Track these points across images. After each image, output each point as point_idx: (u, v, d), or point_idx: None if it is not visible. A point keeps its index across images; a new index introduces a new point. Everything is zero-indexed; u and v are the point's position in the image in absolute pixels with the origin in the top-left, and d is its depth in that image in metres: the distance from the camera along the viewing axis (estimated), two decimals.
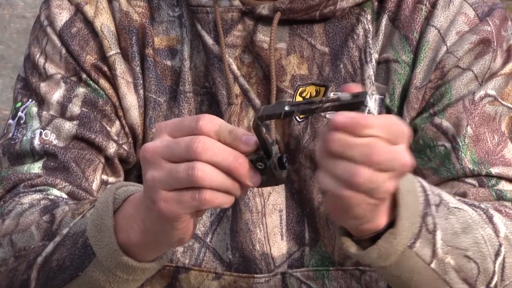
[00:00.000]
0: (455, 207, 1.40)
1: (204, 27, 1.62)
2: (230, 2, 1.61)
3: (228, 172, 1.21)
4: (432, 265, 1.36)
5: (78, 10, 1.66)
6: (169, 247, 1.39)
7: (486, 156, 1.55)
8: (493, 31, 1.61)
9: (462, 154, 1.55)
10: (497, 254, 1.42)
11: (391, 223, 1.32)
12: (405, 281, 1.38)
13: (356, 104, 1.20)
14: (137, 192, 1.34)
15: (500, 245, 1.43)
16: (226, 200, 1.23)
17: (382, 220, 1.30)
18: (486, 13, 1.62)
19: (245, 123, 1.61)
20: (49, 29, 1.65)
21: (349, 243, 1.34)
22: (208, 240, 1.64)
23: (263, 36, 1.61)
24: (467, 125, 1.56)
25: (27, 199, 1.56)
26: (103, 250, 1.36)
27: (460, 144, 1.56)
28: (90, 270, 1.39)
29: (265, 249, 1.63)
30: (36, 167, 1.59)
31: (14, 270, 1.50)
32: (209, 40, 1.62)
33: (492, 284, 1.42)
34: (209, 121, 1.21)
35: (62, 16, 1.66)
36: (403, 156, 1.20)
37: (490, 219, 1.45)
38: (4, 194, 1.59)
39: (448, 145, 1.56)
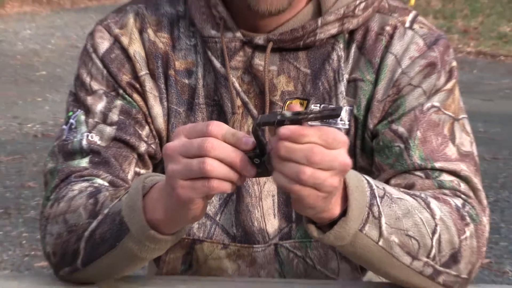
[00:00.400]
0: (397, 197, 1.48)
1: (213, 53, 1.69)
2: (233, 34, 1.67)
3: (231, 165, 1.28)
4: (380, 243, 1.43)
5: (116, 40, 1.72)
6: (185, 223, 1.45)
7: (431, 154, 1.60)
8: (438, 56, 1.66)
9: (412, 152, 1.60)
10: (433, 232, 1.48)
11: (344, 212, 1.38)
12: (360, 256, 1.46)
13: (333, 116, 1.31)
14: (161, 181, 1.41)
15: (436, 225, 1.49)
16: (229, 187, 1.31)
17: (336, 210, 1.38)
18: (433, 42, 1.68)
19: (245, 128, 1.67)
20: (93, 55, 1.72)
21: (312, 229, 1.41)
22: (217, 218, 1.70)
23: (259, 61, 1.67)
24: (416, 129, 1.61)
25: (77, 187, 1.60)
26: (135, 226, 1.43)
27: (411, 144, 1.60)
28: (125, 241, 1.46)
29: (262, 225, 1.69)
30: (84, 162, 1.65)
31: (67, 242, 1.55)
32: (217, 64, 1.68)
33: (431, 255, 1.48)
34: (217, 126, 1.29)
35: (104, 44, 1.72)
36: (341, 157, 1.28)
37: (427, 205, 1.51)
38: (59, 183, 1.63)
39: (402, 145, 1.61)
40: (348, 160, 1.30)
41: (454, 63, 1.70)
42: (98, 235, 1.51)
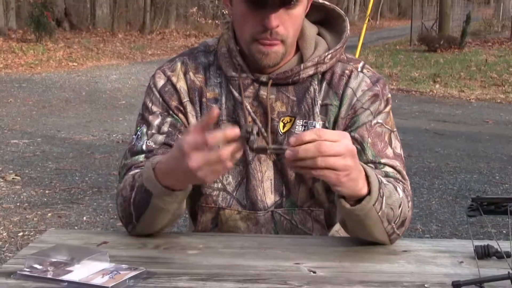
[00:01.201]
0: (385, 183, 1.51)
1: (233, 87, 1.69)
2: (246, 75, 1.68)
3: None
4: (379, 213, 1.46)
5: (169, 79, 1.73)
6: (187, 182, 1.46)
7: (378, 153, 1.63)
8: (380, 90, 1.69)
9: (367, 152, 1.63)
10: (399, 206, 1.52)
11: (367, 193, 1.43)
12: (364, 221, 1.47)
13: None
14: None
15: (401, 202, 1.53)
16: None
17: (364, 191, 1.41)
18: (376, 81, 1.70)
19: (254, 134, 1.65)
20: (154, 89, 1.73)
21: (344, 203, 1.43)
22: (234, 194, 1.71)
23: (263, 92, 1.68)
24: (368, 137, 1.64)
25: (132, 172, 1.62)
26: (155, 190, 1.47)
27: (365, 146, 1.62)
28: (153, 200, 1.49)
29: (263, 198, 1.69)
30: (141, 157, 1.66)
31: (125, 208, 1.58)
32: (236, 94, 1.69)
33: (395, 221, 1.51)
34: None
35: (161, 82, 1.73)
36: (344, 144, 1.30)
37: (395, 188, 1.54)
38: (126, 172, 1.65)
39: (358, 146, 1.58)
40: (351, 146, 1.32)
41: (389, 95, 1.72)
42: (137, 200, 1.53)
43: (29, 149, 7.08)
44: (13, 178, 5.86)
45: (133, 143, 1.69)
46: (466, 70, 14.62)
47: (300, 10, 1.59)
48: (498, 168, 6.50)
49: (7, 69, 14.59)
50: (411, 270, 1.41)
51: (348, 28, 1.73)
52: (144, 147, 1.65)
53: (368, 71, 1.71)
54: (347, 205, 1.43)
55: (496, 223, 4.67)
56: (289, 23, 1.57)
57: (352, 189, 1.38)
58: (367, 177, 1.42)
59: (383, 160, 1.62)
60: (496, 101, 11.34)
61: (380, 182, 1.46)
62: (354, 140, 1.60)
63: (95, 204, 5.17)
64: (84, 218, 4.84)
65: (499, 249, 1.44)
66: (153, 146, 1.65)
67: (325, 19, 1.78)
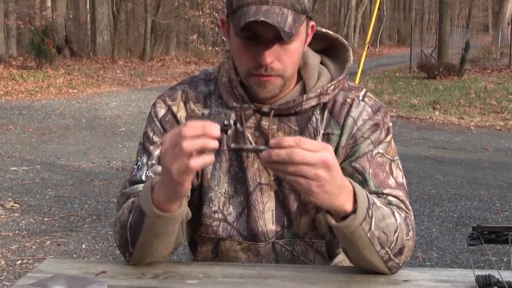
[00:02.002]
0: (379, 206, 1.48)
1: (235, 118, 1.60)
2: (248, 105, 1.66)
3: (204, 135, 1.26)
4: (368, 235, 1.44)
5: (169, 109, 1.72)
6: (179, 199, 1.42)
7: (380, 184, 1.61)
8: (380, 119, 1.67)
9: (369, 183, 1.60)
10: (395, 232, 1.49)
11: (349, 211, 1.40)
12: (353, 240, 1.44)
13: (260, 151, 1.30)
14: (160, 178, 1.41)
15: (397, 228, 1.50)
16: (208, 159, 1.28)
17: (348, 208, 1.38)
18: (377, 110, 1.68)
19: (255, 165, 1.66)
20: (155, 118, 1.72)
21: (330, 218, 1.41)
22: (235, 224, 1.69)
23: (265, 122, 1.66)
24: (369, 168, 1.62)
25: (130, 200, 1.60)
26: (148, 210, 1.44)
27: (367, 178, 1.61)
28: (145, 221, 1.46)
29: (264, 230, 1.68)
30: (141, 187, 1.64)
31: (122, 234, 1.56)
32: (238, 124, 1.67)
33: (391, 247, 1.48)
34: (188, 124, 1.27)
35: (161, 111, 1.72)
36: (320, 155, 1.27)
37: (393, 213, 1.52)
38: (125, 201, 1.63)
39: (360, 177, 1.60)
40: (329, 158, 1.28)
41: (390, 124, 1.71)
42: (133, 223, 1.51)
43: (28, 176, 7.08)
44: (12, 206, 5.85)
45: (133, 173, 1.67)
46: (466, 97, 14.66)
47: (297, 45, 1.56)
48: (498, 195, 6.48)
49: (8, 96, 14.64)
50: None
51: (351, 58, 1.72)
52: (143, 177, 1.64)
53: (369, 100, 1.70)
54: (332, 221, 1.41)
55: (497, 251, 4.64)
56: (285, 58, 1.55)
57: (328, 203, 1.34)
58: (355, 195, 1.40)
59: (385, 191, 1.60)
60: (496, 128, 11.36)
61: (370, 203, 1.44)
62: (355, 170, 1.61)
63: (94, 231, 5.15)
64: (83, 246, 4.82)
65: (500, 279, 1.42)
66: (153, 176, 1.63)
67: (328, 48, 1.76)
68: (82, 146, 9.00)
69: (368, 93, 1.73)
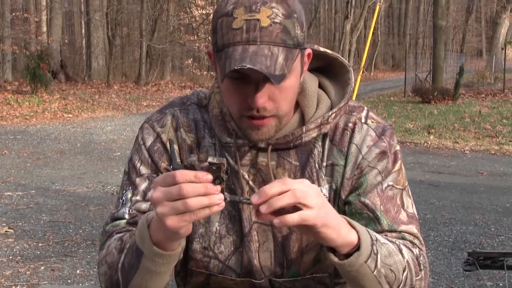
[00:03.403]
0: (383, 242, 1.43)
1: (229, 154, 1.56)
2: (243, 141, 1.54)
3: (205, 195, 1.21)
4: (374, 273, 1.39)
5: (158, 136, 1.60)
6: (179, 239, 1.37)
7: (393, 221, 1.53)
8: (387, 145, 1.57)
9: (382, 221, 1.52)
10: (404, 270, 1.43)
11: (356, 248, 1.36)
12: (358, 280, 1.39)
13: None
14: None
15: (405, 266, 1.44)
16: (208, 212, 1.23)
17: (350, 236, 1.34)
18: (381, 133, 1.57)
19: (251, 207, 1.56)
20: (142, 147, 1.60)
21: (332, 256, 1.37)
22: (227, 262, 1.58)
23: (262, 158, 1.54)
24: (380, 204, 1.53)
25: (113, 238, 1.52)
26: (146, 249, 1.36)
27: (379, 215, 1.52)
28: (143, 261, 1.38)
29: (258, 269, 1.57)
30: (123, 223, 1.55)
31: (110, 276, 1.48)
32: (232, 162, 1.55)
33: (400, 286, 1.43)
34: (181, 175, 1.21)
35: (150, 139, 1.60)
36: (285, 197, 1.24)
37: (400, 250, 1.45)
38: (107, 239, 1.54)
39: (370, 214, 1.52)
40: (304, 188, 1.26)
41: (398, 147, 1.60)
42: (126, 264, 1.42)
43: (22, 201, 7.04)
44: (6, 231, 5.81)
45: (117, 208, 1.58)
46: (460, 122, 14.69)
47: (291, 81, 1.43)
48: (493, 220, 6.46)
49: (2, 121, 14.63)
50: None
51: (353, 80, 1.60)
52: (126, 215, 1.55)
53: (372, 122, 1.59)
54: (335, 259, 1.36)
55: (493, 275, 4.63)
56: (278, 97, 1.43)
57: (338, 230, 1.31)
58: (357, 232, 1.36)
59: (400, 228, 1.52)
60: (490, 152, 11.33)
61: (373, 239, 1.39)
62: (365, 206, 1.53)
63: (89, 257, 5.12)
64: (78, 271, 4.78)
65: None
66: (136, 213, 1.55)
67: (326, 66, 1.64)
68: (77, 171, 8.97)
69: (371, 114, 1.62)
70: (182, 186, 1.20)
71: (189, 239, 1.58)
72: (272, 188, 1.24)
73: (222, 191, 1.22)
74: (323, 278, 1.61)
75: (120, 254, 1.44)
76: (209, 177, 1.21)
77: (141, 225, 1.37)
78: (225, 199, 1.23)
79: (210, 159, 1.22)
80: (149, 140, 1.60)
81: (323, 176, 1.56)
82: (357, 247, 1.35)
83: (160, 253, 1.35)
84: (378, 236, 1.43)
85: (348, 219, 1.38)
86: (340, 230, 1.32)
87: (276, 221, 1.26)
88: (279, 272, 1.58)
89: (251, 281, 1.59)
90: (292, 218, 1.25)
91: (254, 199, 1.25)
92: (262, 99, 1.40)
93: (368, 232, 1.39)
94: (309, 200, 1.25)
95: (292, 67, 1.39)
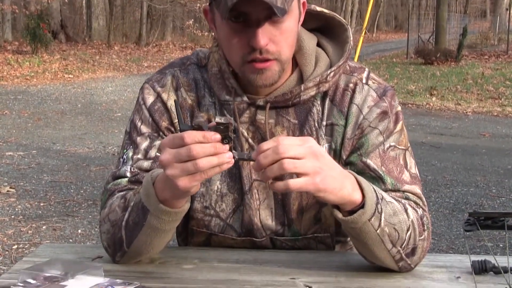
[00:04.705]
0: (389, 201, 1.42)
1: (228, 112, 1.56)
2: (241, 99, 1.54)
3: (214, 154, 1.23)
4: (378, 231, 1.39)
5: (159, 96, 1.60)
6: (187, 196, 1.38)
7: (397, 180, 1.52)
8: (388, 105, 1.55)
9: (385, 180, 1.51)
10: (408, 230, 1.43)
11: (360, 206, 1.36)
12: (361, 237, 1.40)
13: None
14: (162, 172, 1.33)
15: (409, 225, 1.43)
16: (218, 170, 1.25)
17: (355, 196, 1.34)
18: (382, 93, 1.56)
19: (250, 164, 1.55)
20: (143, 106, 1.61)
21: (336, 212, 1.37)
22: (228, 221, 1.59)
23: (260, 116, 1.55)
24: (381, 165, 1.52)
25: (116, 195, 1.53)
26: (152, 206, 1.38)
27: (383, 176, 1.51)
28: (149, 219, 1.39)
29: (259, 227, 1.58)
30: (124, 181, 1.56)
31: (113, 234, 1.48)
32: (230, 119, 1.54)
33: (403, 246, 1.42)
34: (189, 136, 1.23)
35: (150, 99, 1.61)
36: (304, 146, 1.27)
37: (406, 210, 1.44)
38: (108, 197, 1.55)
39: (372, 173, 1.51)
40: (314, 148, 1.27)
41: (399, 108, 1.59)
42: (131, 221, 1.44)
43: (24, 161, 7.07)
44: (7, 191, 5.84)
45: (118, 167, 1.59)
46: (463, 83, 14.66)
47: (291, 23, 1.45)
48: (494, 181, 6.49)
49: (3, 81, 14.59)
50: (408, 285, 1.40)
51: (351, 38, 1.60)
52: (128, 173, 1.56)
53: (373, 82, 1.58)
54: (339, 215, 1.37)
55: (493, 236, 4.66)
56: (280, 38, 1.44)
57: (336, 195, 1.31)
58: (362, 190, 1.36)
59: (403, 188, 1.52)
60: (493, 114, 11.35)
61: (379, 198, 1.38)
62: (366, 167, 1.53)
63: (90, 217, 5.15)
64: (79, 231, 4.82)
65: (496, 265, 1.43)
66: (138, 171, 1.55)
67: (324, 28, 1.64)
68: (78, 131, 8.98)
69: (372, 74, 1.61)
70: (192, 147, 1.22)
71: (190, 199, 1.54)
72: (265, 158, 1.25)
73: (230, 150, 1.24)
74: (324, 238, 1.62)
75: (124, 212, 1.45)
76: (218, 136, 1.22)
77: (146, 183, 1.38)
78: (233, 157, 1.25)
79: (217, 119, 1.23)
80: (150, 100, 1.61)
81: (323, 135, 1.56)
82: (362, 205, 1.36)
83: (167, 211, 1.37)
84: (385, 195, 1.43)
85: (356, 175, 1.38)
86: (341, 191, 1.32)
87: (270, 183, 1.30)
88: (280, 231, 1.59)
89: (252, 240, 1.61)
90: (280, 185, 1.28)
91: (254, 156, 1.27)
92: (264, 38, 1.41)
93: (375, 190, 1.39)
94: (301, 168, 1.26)
95: (291, 7, 1.43)
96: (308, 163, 1.27)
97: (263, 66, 1.46)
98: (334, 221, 1.59)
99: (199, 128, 1.23)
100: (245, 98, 1.55)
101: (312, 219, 1.59)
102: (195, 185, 1.28)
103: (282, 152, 1.24)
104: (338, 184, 1.32)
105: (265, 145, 1.26)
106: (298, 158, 1.26)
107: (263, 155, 1.25)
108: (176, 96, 1.61)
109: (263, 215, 1.58)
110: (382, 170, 1.52)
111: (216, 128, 1.23)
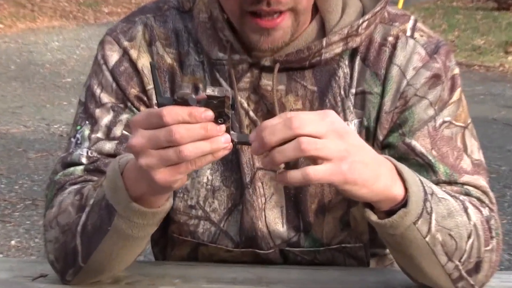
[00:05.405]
0: (442, 197, 1.39)
1: (221, 75, 1.55)
2: (240, 57, 1.53)
3: (204, 139, 1.18)
4: (427, 239, 1.35)
5: (125, 53, 1.59)
6: (169, 192, 1.35)
7: (453, 169, 1.50)
8: (441, 66, 1.54)
9: (437, 169, 1.49)
10: (468, 237, 1.40)
11: (402, 204, 1.32)
12: (404, 247, 1.37)
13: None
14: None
15: (471, 230, 1.41)
16: (210, 159, 1.21)
17: (395, 189, 1.30)
18: (434, 51, 1.54)
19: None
20: (104, 67, 1.60)
21: (369, 213, 1.33)
22: (221, 225, 1.58)
23: (267, 81, 1.53)
24: (432, 148, 1.50)
25: (67, 190, 1.51)
26: (120, 205, 1.33)
27: (433, 163, 1.49)
28: (115, 223, 1.35)
29: (265, 235, 1.57)
30: (79, 170, 1.54)
31: (64, 243, 1.46)
32: (225, 86, 1.55)
33: (462, 260, 1.40)
34: (170, 114, 1.17)
35: (113, 57, 1.59)
36: (324, 122, 1.22)
37: (465, 209, 1.42)
38: (57, 192, 1.53)
39: (419, 159, 1.51)
40: (337, 123, 1.23)
41: (456, 70, 1.59)
42: (90, 226, 1.41)
43: None
44: None
45: (69, 150, 1.58)
46: None
47: None
48: None
49: None
50: None
51: None
52: (83, 158, 1.55)
53: (421, 35, 1.57)
54: (373, 216, 1.34)
55: None
56: None
57: (367, 189, 1.27)
58: (404, 181, 1.32)
59: (462, 179, 1.50)
60: None
61: (428, 193, 1.36)
62: (411, 150, 1.52)
63: (28, 222, 5.16)
64: (13, 242, 4.84)
65: None
66: (97, 156, 1.55)
67: None
68: (11, 104, 8.95)
69: (419, 25, 1.60)
70: (174, 128, 1.18)
71: (172, 195, 1.52)
72: (273, 135, 1.21)
73: (227, 132, 1.21)
74: (355, 249, 1.62)
75: (80, 213, 1.43)
76: (210, 114, 1.19)
77: (113, 173, 1.35)
78: (232, 141, 1.22)
79: (209, 91, 1.19)
80: (113, 59, 1.60)
81: (351, 108, 1.55)
82: (404, 203, 1.32)
83: (141, 211, 1.33)
84: (435, 188, 1.41)
85: (396, 162, 1.35)
86: (376, 184, 1.28)
87: (278, 173, 1.27)
88: (294, 239, 1.59)
89: (255, 252, 1.61)
90: (295, 176, 1.24)
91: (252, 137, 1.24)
92: None
93: (422, 182, 1.37)
94: (323, 150, 1.21)
95: None
96: (331, 144, 1.22)
97: (271, 25, 1.44)
98: (368, 226, 1.58)
99: (183, 102, 1.19)
100: (245, 57, 1.54)
101: (337, 223, 1.58)
102: (178, 179, 1.23)
103: (296, 127, 1.20)
104: (371, 173, 1.28)
105: (272, 120, 1.22)
106: (317, 137, 1.22)
107: (270, 130, 1.21)
108: (150, 53, 1.59)
109: (270, 218, 1.58)
110: (432, 155, 1.51)
111: (208, 102, 1.19)
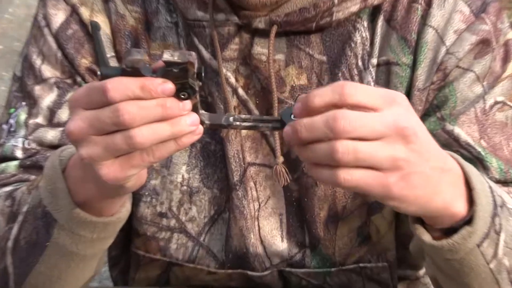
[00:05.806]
0: (511, 207, 1.26)
1: (201, 41, 1.49)
2: (226, 17, 1.45)
3: (164, 118, 1.07)
4: (491, 265, 1.23)
5: (74, 11, 1.52)
6: (124, 195, 1.27)
7: (508, 164, 1.42)
8: (491, 29, 1.45)
9: (488, 163, 1.41)
10: None
11: (466, 220, 1.19)
12: (462, 274, 1.25)
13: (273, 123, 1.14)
14: None
15: None
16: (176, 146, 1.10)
17: (456, 206, 1.19)
18: (481, 9, 1.46)
19: (243, 132, 1.48)
20: (46, 30, 1.53)
21: (421, 230, 1.20)
22: (201, 239, 1.53)
23: (261, 49, 1.46)
24: (480, 138, 1.42)
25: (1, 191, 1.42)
26: (62, 213, 1.24)
27: (483, 156, 1.42)
28: (56, 237, 1.26)
29: (259, 251, 1.52)
30: (12, 166, 1.48)
31: None
32: (206, 55, 1.48)
33: None
34: (117, 88, 1.07)
35: (58, 17, 1.53)
36: (388, 116, 1.03)
37: None
38: None
39: (464, 152, 1.43)
40: (403, 119, 1.03)
41: (511, 34, 1.46)
42: (23, 241, 1.32)
43: None
44: None
45: (1, 141, 1.52)
46: None
47: None
48: None
49: None
50: None
51: None
52: (18, 151, 1.49)
53: None
54: (425, 236, 1.19)
55: None
56: None
57: (424, 203, 1.11)
58: (470, 190, 1.15)
59: None
60: None
61: (498, 205, 1.20)
62: (453, 140, 1.42)
63: None
64: None
65: None
66: (37, 148, 1.48)
67: None
68: None
69: None
70: (121, 107, 1.03)
71: (132, 201, 1.42)
72: (320, 97, 1.03)
73: (195, 110, 1.08)
74: (378, 270, 1.56)
75: (11, 223, 1.34)
76: (169, 86, 1.06)
77: (51, 171, 1.24)
78: (202, 122, 1.10)
79: (167, 55, 1.06)
80: (58, 19, 1.54)
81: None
82: (469, 218, 1.16)
83: (88, 221, 1.23)
84: (505, 197, 1.26)
85: (464, 164, 1.18)
86: (432, 202, 1.12)
87: (306, 166, 1.07)
88: (297, 257, 1.55)
89: (246, 275, 1.55)
90: (324, 174, 1.05)
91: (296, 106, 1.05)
92: None
93: (492, 189, 1.20)
94: (370, 160, 1.03)
95: None
96: (385, 150, 1.02)
97: None
98: (394, 240, 1.54)
99: (134, 72, 1.06)
100: (233, 16, 1.45)
101: (354, 235, 1.53)
102: (132, 175, 1.09)
103: (343, 130, 1.00)
104: (429, 189, 1.09)
105: (319, 97, 1.04)
106: (374, 138, 1.03)
107: (315, 93, 1.01)
108: (106, 11, 1.52)
109: (266, 229, 1.54)
110: (482, 147, 1.42)
111: (166, 71, 1.06)
